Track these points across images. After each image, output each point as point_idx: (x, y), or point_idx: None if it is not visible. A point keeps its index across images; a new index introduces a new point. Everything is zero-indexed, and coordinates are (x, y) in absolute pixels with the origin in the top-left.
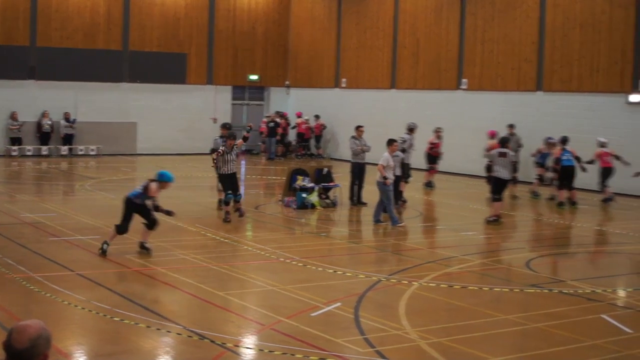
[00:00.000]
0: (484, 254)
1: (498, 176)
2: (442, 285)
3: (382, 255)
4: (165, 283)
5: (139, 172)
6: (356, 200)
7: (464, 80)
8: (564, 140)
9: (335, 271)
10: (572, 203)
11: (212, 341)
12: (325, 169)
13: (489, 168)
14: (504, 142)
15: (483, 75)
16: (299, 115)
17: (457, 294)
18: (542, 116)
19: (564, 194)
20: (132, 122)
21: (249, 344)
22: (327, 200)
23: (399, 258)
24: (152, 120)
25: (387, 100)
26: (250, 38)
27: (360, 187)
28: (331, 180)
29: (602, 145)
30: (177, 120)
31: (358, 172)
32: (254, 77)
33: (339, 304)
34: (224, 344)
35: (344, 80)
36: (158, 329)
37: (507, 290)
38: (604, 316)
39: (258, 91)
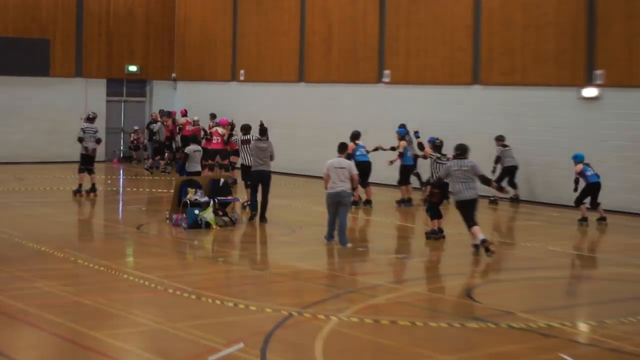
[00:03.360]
0: (416, 280)
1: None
2: (366, 320)
3: (294, 284)
4: (26, 322)
5: None
6: (255, 214)
7: (386, 72)
8: (355, 136)
9: (236, 304)
10: (367, 202)
11: None
12: (222, 180)
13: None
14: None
15: (409, 66)
16: (183, 114)
17: (385, 331)
18: (479, 114)
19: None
20: None
21: None
22: (225, 218)
23: (314, 287)
24: (7, 121)
25: (294, 95)
26: (128, 21)
27: (265, 200)
28: (229, 193)
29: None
30: (38, 121)
31: (260, 181)
32: (133, 68)
33: (241, 344)
34: None
35: (242, 72)
36: None
37: (445, 325)
38: (564, 355)
39: (138, 85)
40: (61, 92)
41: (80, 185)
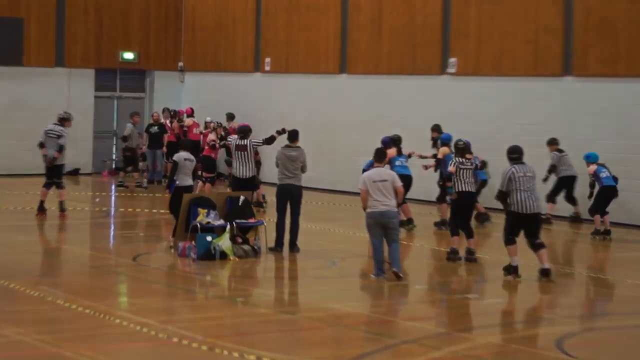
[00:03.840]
0: (490, 327)
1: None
2: None
3: (333, 331)
4: None
5: None
6: (281, 243)
7: (452, 61)
8: (396, 142)
9: (259, 358)
10: (408, 221)
11: None
12: (242, 198)
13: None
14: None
15: (481, 52)
16: (189, 114)
17: None
18: (571, 113)
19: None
20: None
21: None
22: (245, 247)
23: (358, 335)
24: None
25: (334, 91)
26: None
27: (295, 223)
28: (251, 216)
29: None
30: (8, 122)
31: (288, 199)
32: (129, 55)
33: None
34: None
35: (267, 60)
36: None
37: None
38: None
39: (136, 77)
40: (37, 86)
41: (41, 203)
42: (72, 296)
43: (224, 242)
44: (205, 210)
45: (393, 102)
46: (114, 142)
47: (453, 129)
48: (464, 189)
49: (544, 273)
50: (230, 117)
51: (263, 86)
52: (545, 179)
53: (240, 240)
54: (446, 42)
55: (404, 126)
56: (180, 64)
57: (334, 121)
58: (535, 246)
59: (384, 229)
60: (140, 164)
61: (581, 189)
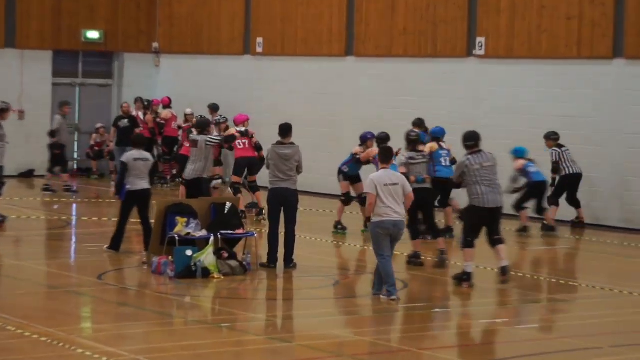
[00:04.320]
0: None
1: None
2: None
3: None
4: None
5: None
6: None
7: (480, 41)
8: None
9: None
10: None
11: None
12: (229, 205)
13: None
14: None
15: (514, 31)
16: (166, 105)
17: None
18: (622, 104)
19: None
20: None
21: None
22: (232, 262)
23: None
24: None
25: (339, 77)
26: None
27: (290, 234)
28: (239, 225)
29: None
30: None
31: (281, 205)
32: (93, 34)
33: None
34: None
35: (259, 41)
36: None
37: None
38: None
39: (102, 61)
40: None
41: None
42: (25, 322)
43: (207, 257)
44: (185, 219)
45: (409, 91)
46: (76, 138)
47: (481, 122)
48: (415, 185)
49: (502, 271)
50: (214, 108)
51: (254, 72)
52: (554, 183)
53: (226, 254)
54: (473, 18)
55: (426, 120)
56: (155, 44)
57: (338, 113)
58: (494, 241)
59: (392, 242)
60: (110, 163)
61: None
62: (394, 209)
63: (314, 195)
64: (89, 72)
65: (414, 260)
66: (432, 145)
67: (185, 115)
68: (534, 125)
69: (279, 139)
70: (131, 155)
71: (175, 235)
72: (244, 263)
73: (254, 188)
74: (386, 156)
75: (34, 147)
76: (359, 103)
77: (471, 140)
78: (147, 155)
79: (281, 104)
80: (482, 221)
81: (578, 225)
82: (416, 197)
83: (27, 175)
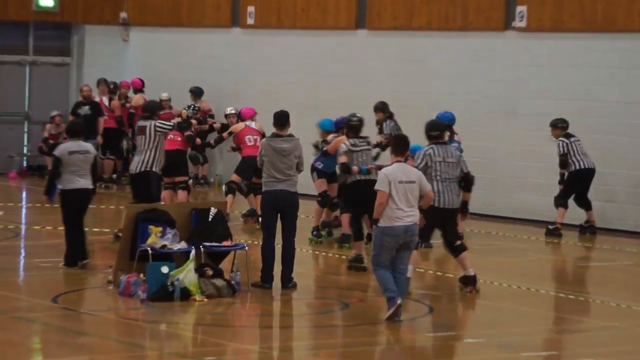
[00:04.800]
0: None
1: None
2: None
3: None
4: None
5: None
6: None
7: (520, 11)
8: None
9: None
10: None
11: None
12: (214, 211)
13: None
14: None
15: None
16: (137, 88)
17: None
18: None
19: None
20: None
21: None
22: (218, 281)
23: None
24: None
25: (348, 54)
26: None
27: (289, 247)
28: (227, 236)
29: None
30: None
31: (278, 211)
32: (47, 2)
33: None
34: None
35: (250, 10)
36: None
37: None
38: None
39: (58, 34)
40: None
41: None
42: None
43: (187, 275)
44: (160, 229)
45: (433, 72)
46: (26, 129)
47: (522, 109)
48: (359, 177)
49: (469, 281)
50: (197, 93)
51: (244, 48)
52: (562, 181)
53: (210, 272)
54: None
55: (448, 104)
56: (123, 15)
57: (347, 98)
58: (457, 250)
59: (401, 250)
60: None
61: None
62: (407, 212)
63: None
64: (41, 48)
65: (355, 265)
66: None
67: (161, 100)
68: (588, 113)
69: (274, 130)
70: (66, 147)
71: (148, 248)
72: (233, 282)
73: (258, 191)
74: (400, 147)
75: None
76: (371, 86)
77: (436, 130)
78: (86, 146)
79: (277, 87)
80: (435, 223)
81: (588, 229)
82: (360, 190)
83: None
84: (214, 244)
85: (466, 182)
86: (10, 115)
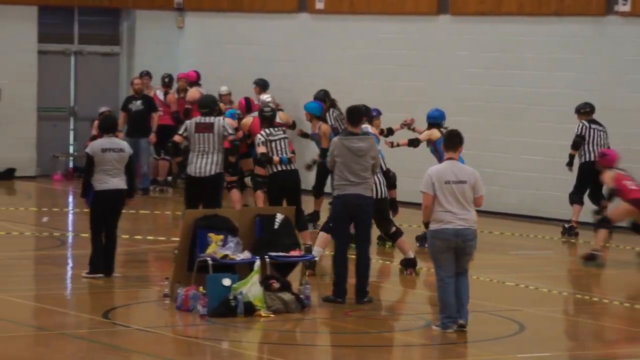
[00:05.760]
0: None
1: None
2: None
3: None
4: None
5: None
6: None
7: None
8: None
9: None
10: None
11: None
12: (280, 217)
13: None
14: None
15: None
16: (193, 80)
17: None
18: None
19: None
20: None
21: None
22: (285, 295)
23: None
24: None
25: (427, 44)
26: None
27: (363, 258)
28: (295, 245)
29: None
30: None
31: (352, 218)
32: None
33: None
34: None
35: None
36: None
37: None
38: None
39: (106, 21)
40: None
41: None
42: None
43: (251, 289)
44: (221, 237)
45: (523, 61)
46: (71, 127)
47: (625, 105)
48: (279, 168)
49: (409, 264)
50: (262, 85)
51: (312, 36)
52: (570, 162)
53: (277, 285)
54: None
55: (541, 101)
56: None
57: (426, 92)
58: (394, 236)
59: (459, 256)
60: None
61: None
62: (458, 214)
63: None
64: (87, 36)
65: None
66: (431, 133)
67: (220, 95)
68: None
69: (347, 127)
70: (99, 144)
71: (208, 259)
72: (301, 296)
73: (260, 185)
74: (453, 142)
75: (13, 138)
76: (454, 77)
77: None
78: (121, 144)
79: (348, 79)
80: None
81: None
82: (282, 180)
83: (6, 176)
84: (281, 254)
85: (386, 179)
86: (54, 110)
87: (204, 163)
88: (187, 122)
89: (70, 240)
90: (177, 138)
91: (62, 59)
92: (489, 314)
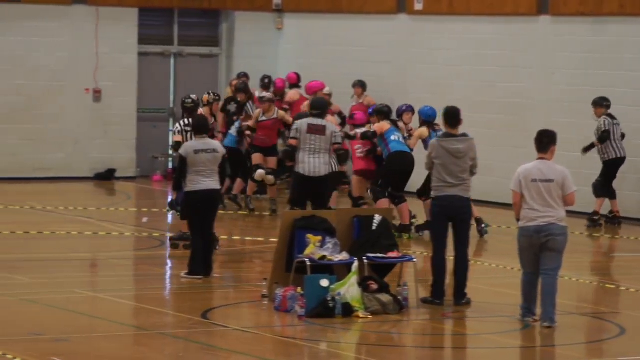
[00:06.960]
0: None
1: None
2: None
3: None
4: None
5: None
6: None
7: None
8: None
9: None
10: None
11: None
12: (378, 218)
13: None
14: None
15: None
16: (293, 83)
17: None
18: None
19: None
20: None
21: None
22: (383, 296)
23: None
24: None
25: (527, 45)
26: None
27: (462, 260)
28: (393, 247)
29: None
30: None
31: (450, 220)
32: None
33: None
34: None
35: None
36: None
37: None
38: None
39: (206, 22)
40: (42, 35)
41: None
42: None
43: (349, 290)
44: (319, 238)
45: (628, 63)
46: (171, 128)
47: None
48: None
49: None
50: (361, 86)
51: (411, 37)
52: (588, 149)
53: (375, 286)
54: None
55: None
56: (277, 0)
57: (525, 94)
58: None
59: (543, 252)
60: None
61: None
62: (542, 212)
63: (488, 205)
64: (187, 37)
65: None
66: (421, 131)
67: (323, 95)
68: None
69: (445, 129)
70: (191, 145)
71: (306, 259)
72: (400, 298)
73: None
74: (541, 143)
75: (112, 140)
76: (553, 80)
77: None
78: (214, 144)
79: (446, 80)
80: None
81: (612, 220)
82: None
83: (106, 177)
84: (379, 255)
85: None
86: (153, 111)
87: (317, 163)
88: (297, 122)
89: (168, 242)
90: (293, 142)
91: (162, 60)
92: (590, 316)
